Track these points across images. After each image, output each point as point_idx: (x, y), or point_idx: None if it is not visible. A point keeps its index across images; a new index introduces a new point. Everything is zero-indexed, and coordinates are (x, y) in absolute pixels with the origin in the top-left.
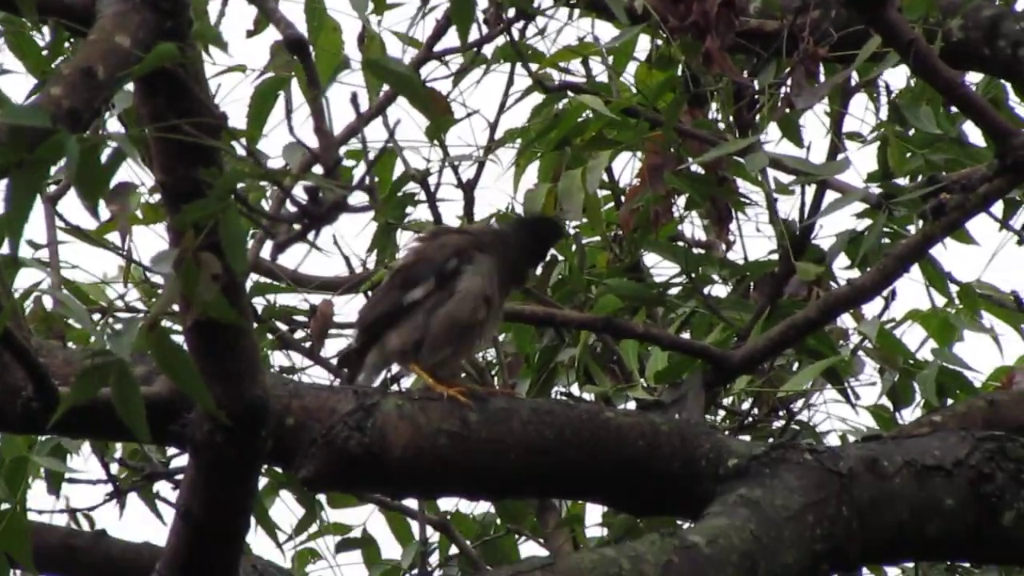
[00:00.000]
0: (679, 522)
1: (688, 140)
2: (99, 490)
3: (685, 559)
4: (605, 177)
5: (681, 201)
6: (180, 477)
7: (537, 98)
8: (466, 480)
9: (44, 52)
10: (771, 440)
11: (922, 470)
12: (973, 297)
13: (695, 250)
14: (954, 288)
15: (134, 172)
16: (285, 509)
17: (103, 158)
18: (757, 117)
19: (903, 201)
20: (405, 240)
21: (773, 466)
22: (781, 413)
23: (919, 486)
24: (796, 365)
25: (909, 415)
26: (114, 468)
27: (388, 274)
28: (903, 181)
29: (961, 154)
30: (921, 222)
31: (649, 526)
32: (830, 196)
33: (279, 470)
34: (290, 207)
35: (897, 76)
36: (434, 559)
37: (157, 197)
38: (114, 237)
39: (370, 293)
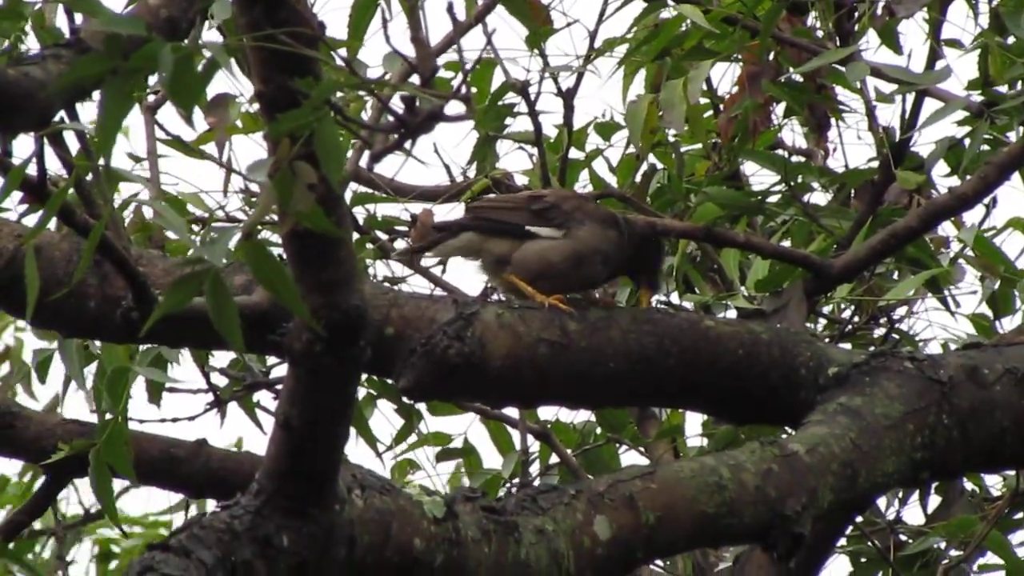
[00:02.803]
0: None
1: (787, 48)
2: (199, 400)
3: (785, 467)
4: (704, 86)
5: (780, 109)
6: (280, 387)
7: (637, 7)
8: (566, 389)
9: None
10: (871, 348)
11: (1023, 378)
12: None
13: (794, 158)
14: None
15: (234, 82)
16: (384, 420)
17: (199, 68)
18: (856, 26)
19: (1005, 109)
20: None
21: (873, 374)
22: (881, 321)
23: (1020, 394)
24: (896, 274)
25: (1009, 324)
26: (216, 379)
27: (525, 192)
28: (1003, 89)
29: None
30: (1022, 129)
31: (750, 436)
32: (929, 104)
33: (377, 379)
34: (388, 117)
35: None
36: (534, 469)
37: (257, 107)
38: (213, 148)
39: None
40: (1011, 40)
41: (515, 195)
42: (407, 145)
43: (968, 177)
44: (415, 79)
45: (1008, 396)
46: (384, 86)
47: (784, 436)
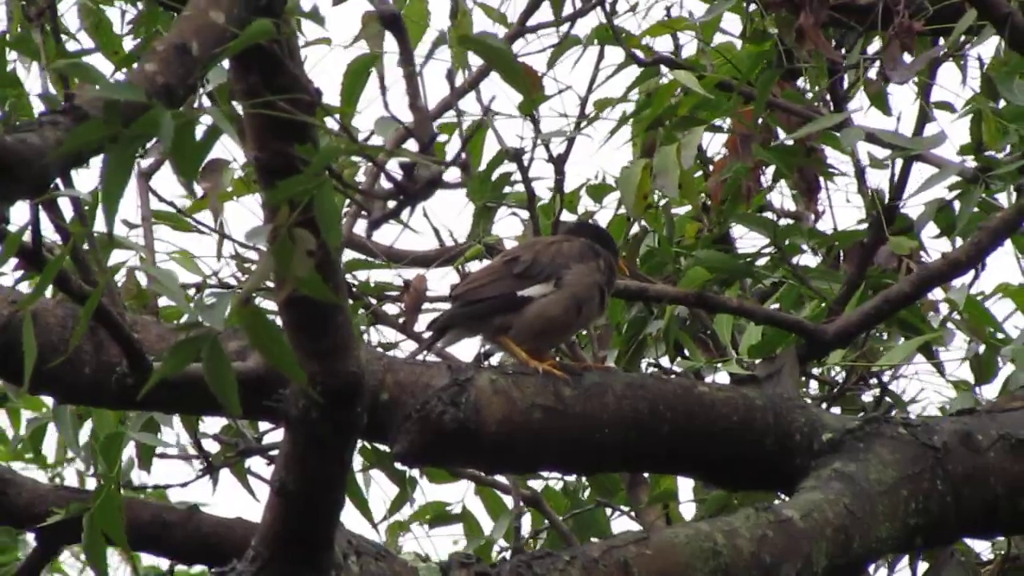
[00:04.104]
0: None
1: (777, 111)
2: (188, 466)
3: (779, 533)
4: None
5: (769, 171)
6: (273, 453)
7: (629, 73)
8: (560, 454)
9: (129, 29)
10: (863, 412)
11: (1017, 444)
12: None
13: (784, 220)
14: None
15: (225, 147)
16: (377, 488)
17: (198, 134)
18: (850, 90)
19: (1001, 174)
20: (501, 216)
21: (867, 440)
22: (871, 383)
23: (1014, 460)
24: (885, 336)
25: (988, 390)
26: (206, 445)
27: (498, 259)
28: (993, 153)
29: None
30: (1015, 195)
31: (743, 501)
32: (919, 166)
33: (370, 446)
34: (385, 183)
35: (987, 47)
36: (523, 532)
37: (244, 172)
38: (204, 216)
39: (467, 268)
40: (1001, 104)
41: (490, 265)
42: (405, 212)
43: (961, 242)
44: (409, 145)
45: (1002, 462)
46: (383, 152)
47: (778, 502)
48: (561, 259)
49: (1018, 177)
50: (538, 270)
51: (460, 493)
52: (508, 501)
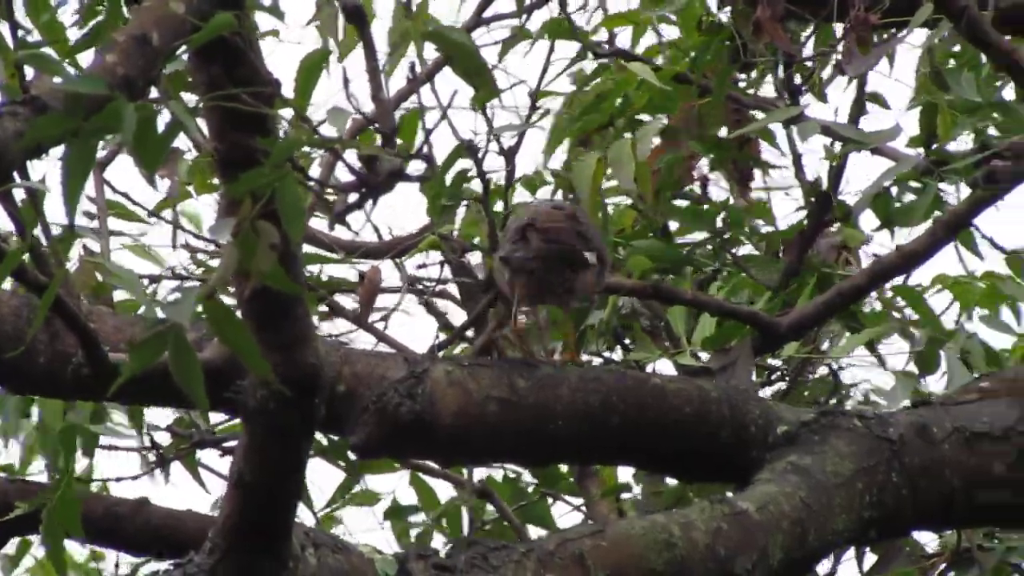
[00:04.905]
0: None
1: (728, 103)
2: (134, 458)
3: (735, 525)
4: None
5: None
6: (228, 444)
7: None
8: (515, 447)
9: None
10: (817, 406)
11: (971, 437)
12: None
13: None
14: (998, 255)
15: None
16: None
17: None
18: (802, 83)
19: (955, 168)
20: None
21: (823, 433)
22: (814, 376)
23: (969, 453)
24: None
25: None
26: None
27: (551, 206)
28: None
29: (1009, 121)
30: (968, 188)
31: (699, 494)
32: (859, 156)
33: (324, 438)
34: (346, 175)
35: (917, 37)
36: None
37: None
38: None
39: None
40: (948, 96)
41: (551, 213)
42: (367, 204)
43: (905, 233)
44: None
45: (957, 455)
46: (344, 143)
47: (732, 494)
48: (600, 239)
49: (972, 171)
50: (592, 235)
51: (394, 483)
52: (441, 493)
